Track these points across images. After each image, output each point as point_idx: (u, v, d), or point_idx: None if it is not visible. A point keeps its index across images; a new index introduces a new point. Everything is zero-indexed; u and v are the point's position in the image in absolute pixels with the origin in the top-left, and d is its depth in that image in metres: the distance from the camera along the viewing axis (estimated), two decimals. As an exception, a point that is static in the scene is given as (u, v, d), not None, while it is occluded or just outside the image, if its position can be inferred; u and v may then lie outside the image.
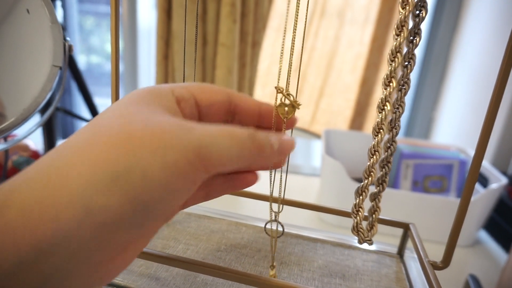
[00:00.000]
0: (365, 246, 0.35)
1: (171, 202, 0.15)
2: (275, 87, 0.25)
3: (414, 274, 0.31)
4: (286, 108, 0.25)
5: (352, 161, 0.76)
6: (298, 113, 0.25)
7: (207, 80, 0.79)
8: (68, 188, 0.13)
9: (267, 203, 0.30)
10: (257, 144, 0.16)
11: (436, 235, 0.59)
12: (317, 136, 1.15)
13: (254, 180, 0.22)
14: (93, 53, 1.67)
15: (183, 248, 0.31)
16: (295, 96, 0.25)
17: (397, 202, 0.60)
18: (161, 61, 0.78)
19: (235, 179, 0.22)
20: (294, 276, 0.29)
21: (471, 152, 0.72)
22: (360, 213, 0.27)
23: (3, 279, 0.12)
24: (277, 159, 0.18)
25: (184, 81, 0.34)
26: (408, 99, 1.11)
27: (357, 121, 1.12)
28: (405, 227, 0.33)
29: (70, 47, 0.31)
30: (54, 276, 0.13)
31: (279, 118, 0.22)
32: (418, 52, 1.11)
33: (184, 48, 0.27)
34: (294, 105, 0.25)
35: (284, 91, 0.24)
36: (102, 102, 0.77)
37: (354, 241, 0.35)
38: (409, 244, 0.33)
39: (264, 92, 1.08)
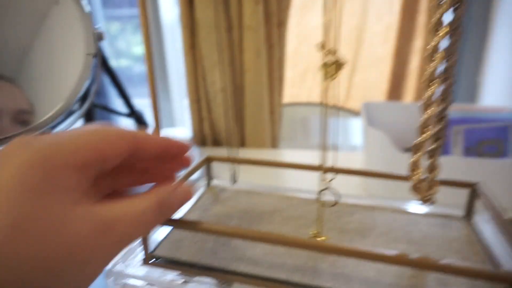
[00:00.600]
0: (427, 208, 0.32)
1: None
2: (319, 44, 0.23)
3: (487, 235, 0.28)
4: (329, 69, 0.23)
5: (395, 133, 0.72)
6: (332, 91, 0.23)
7: (236, 65, 0.78)
8: None
9: (316, 175, 0.29)
10: (164, 212, 0.19)
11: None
12: (353, 112, 1.11)
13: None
14: (121, 57, 1.71)
15: (237, 223, 0.30)
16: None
17: (451, 169, 0.56)
18: (188, 51, 0.78)
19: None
20: (356, 243, 0.28)
21: (528, 112, 0.66)
22: (418, 170, 0.25)
23: None
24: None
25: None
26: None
27: (394, 93, 1.07)
28: (472, 187, 0.30)
29: (101, 34, 0.31)
30: None
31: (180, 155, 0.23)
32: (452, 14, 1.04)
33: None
34: (340, 63, 0.23)
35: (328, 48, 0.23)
36: (138, 102, 0.78)
37: (414, 206, 0.33)
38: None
39: (294, 73, 1.05)
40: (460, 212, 0.32)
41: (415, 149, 0.25)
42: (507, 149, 0.64)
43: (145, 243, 0.25)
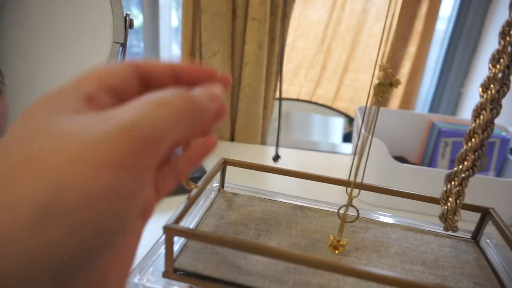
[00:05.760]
0: (436, 229, 0.33)
1: (127, 209, 0.12)
2: (380, 65, 0.23)
3: (495, 260, 0.30)
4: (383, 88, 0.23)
5: (385, 140, 0.73)
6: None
7: (236, 56, 0.76)
8: None
9: (328, 186, 0.29)
10: (188, 100, 0.15)
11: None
12: (339, 113, 1.12)
13: (211, 142, 0.19)
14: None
15: (254, 233, 0.30)
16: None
17: (436, 182, 0.58)
18: (186, 37, 0.75)
19: (190, 151, 0.18)
20: (374, 262, 0.28)
21: (512, 130, 0.69)
22: (450, 200, 0.26)
23: None
24: (213, 108, 0.16)
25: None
26: (434, 73, 1.07)
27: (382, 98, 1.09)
28: (485, 211, 0.31)
29: (131, 22, 0.29)
30: None
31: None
32: (447, 23, 1.06)
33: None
34: (393, 84, 0.23)
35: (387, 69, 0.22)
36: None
37: (423, 225, 0.34)
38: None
39: (287, 68, 1.04)
40: (467, 234, 0.33)
41: (448, 178, 0.25)
42: (489, 165, 0.67)
43: (169, 251, 0.24)
